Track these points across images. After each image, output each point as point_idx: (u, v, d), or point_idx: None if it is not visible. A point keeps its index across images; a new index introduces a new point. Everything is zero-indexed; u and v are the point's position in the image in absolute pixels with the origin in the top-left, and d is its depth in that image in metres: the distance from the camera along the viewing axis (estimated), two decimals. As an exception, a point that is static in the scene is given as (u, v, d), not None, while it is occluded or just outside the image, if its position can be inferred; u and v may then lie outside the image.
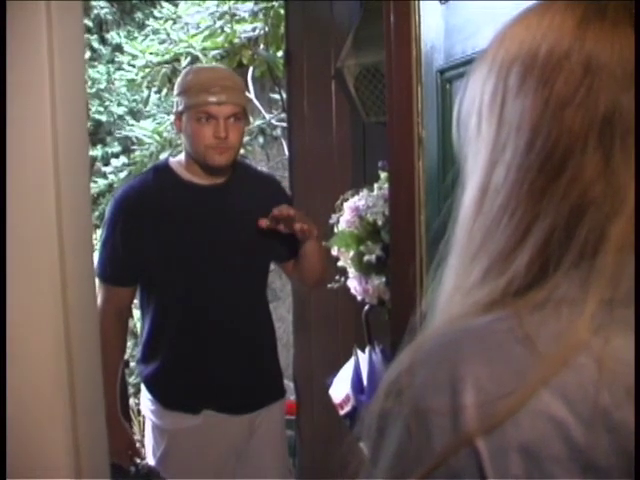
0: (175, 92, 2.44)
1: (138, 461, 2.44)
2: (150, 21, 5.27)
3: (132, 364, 4.21)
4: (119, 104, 5.69)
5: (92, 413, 1.50)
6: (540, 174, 0.67)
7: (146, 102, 5.31)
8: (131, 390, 4.22)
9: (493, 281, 0.68)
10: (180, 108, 2.37)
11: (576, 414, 0.59)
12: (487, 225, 0.70)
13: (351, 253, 2.58)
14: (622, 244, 0.64)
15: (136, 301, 2.58)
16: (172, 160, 2.53)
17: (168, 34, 4.86)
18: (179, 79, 2.47)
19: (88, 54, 5.61)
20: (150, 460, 2.48)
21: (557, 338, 0.62)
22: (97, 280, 2.38)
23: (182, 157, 2.48)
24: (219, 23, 4.55)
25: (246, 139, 4.57)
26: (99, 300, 2.39)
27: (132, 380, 4.31)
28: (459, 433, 0.60)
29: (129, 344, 4.15)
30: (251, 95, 4.44)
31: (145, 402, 2.51)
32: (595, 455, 0.59)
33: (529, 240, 0.67)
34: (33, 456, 1.38)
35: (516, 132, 0.69)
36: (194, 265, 2.40)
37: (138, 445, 2.59)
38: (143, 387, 2.52)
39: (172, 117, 2.58)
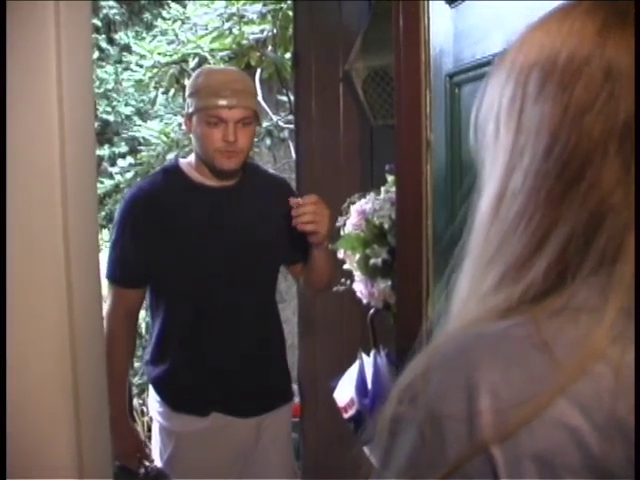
0: (186, 93, 2.44)
1: (147, 464, 2.44)
2: (158, 22, 5.28)
3: (137, 364, 4.21)
4: (126, 104, 5.70)
5: (96, 416, 1.50)
6: (558, 180, 0.67)
7: (153, 103, 5.32)
8: (135, 390, 4.22)
9: (509, 287, 0.68)
10: (190, 110, 2.37)
11: (592, 423, 0.59)
12: (504, 230, 0.70)
13: (357, 256, 2.57)
14: None
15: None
16: (182, 161, 2.52)
17: (176, 35, 4.86)
18: (190, 80, 2.46)
19: (96, 54, 5.62)
20: (157, 462, 2.47)
21: (575, 346, 0.62)
22: (107, 282, 2.39)
23: (192, 158, 2.47)
24: (227, 24, 4.55)
25: (254, 140, 4.57)
26: (109, 302, 2.39)
27: (136, 380, 4.31)
28: (474, 440, 0.60)
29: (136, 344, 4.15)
30: (259, 97, 4.44)
31: (153, 404, 2.51)
32: (610, 465, 0.58)
33: (547, 247, 0.66)
34: (35, 459, 1.38)
35: (535, 138, 0.68)
36: (204, 267, 2.39)
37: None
38: (151, 388, 2.51)
39: (179, 118, 2.58)
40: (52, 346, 1.42)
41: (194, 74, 2.52)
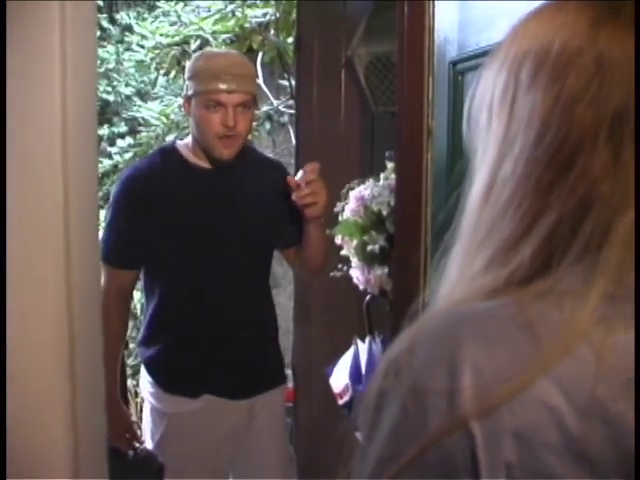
0: (186, 75, 2.43)
1: (137, 445, 2.44)
2: (161, 2, 5.24)
3: (131, 345, 4.21)
4: (127, 84, 5.67)
5: (92, 397, 1.50)
6: (548, 169, 0.68)
7: (154, 84, 5.29)
8: (129, 372, 4.23)
9: (496, 270, 0.69)
10: (189, 92, 2.36)
11: (572, 403, 0.60)
12: (493, 216, 0.71)
13: (354, 242, 2.57)
14: (628, 239, 0.65)
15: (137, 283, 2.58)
16: (179, 143, 2.52)
17: (179, 16, 4.83)
18: (190, 63, 2.45)
19: (97, 34, 5.58)
20: (148, 443, 2.48)
21: (558, 328, 0.63)
22: (101, 262, 2.38)
23: (189, 140, 2.46)
24: (230, 7, 4.54)
25: (253, 124, 4.56)
26: (102, 282, 2.39)
27: (130, 362, 4.31)
28: (454, 414, 0.61)
29: (129, 325, 4.14)
30: (259, 81, 4.43)
31: (145, 384, 2.51)
32: (589, 445, 0.60)
33: (534, 232, 0.68)
34: (30, 443, 1.38)
35: (526, 127, 0.69)
36: (198, 249, 2.39)
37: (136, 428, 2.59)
38: (143, 369, 2.52)
39: (180, 99, 2.57)
40: (49, 327, 1.41)
41: (194, 57, 2.51)
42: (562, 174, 0.67)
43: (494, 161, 0.72)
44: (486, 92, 0.74)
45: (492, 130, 0.73)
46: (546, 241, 0.67)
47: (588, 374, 0.61)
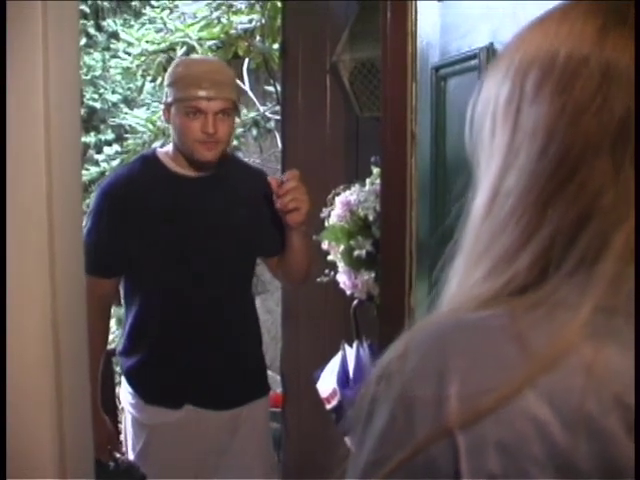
0: (165, 83, 2.41)
1: (118, 456, 2.40)
2: (147, 9, 5.24)
3: (120, 353, 4.20)
4: (113, 92, 5.67)
5: (78, 404, 1.50)
6: (550, 181, 0.67)
7: (140, 91, 5.29)
8: (118, 379, 4.21)
9: (493, 280, 0.69)
10: (169, 100, 2.34)
11: (559, 416, 0.59)
12: (494, 228, 0.70)
13: (341, 247, 2.58)
14: (625, 252, 0.64)
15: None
16: (160, 150, 2.50)
17: (164, 23, 4.84)
18: (169, 70, 2.43)
19: (84, 41, 5.59)
20: (129, 454, 2.45)
21: (548, 339, 0.62)
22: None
23: (170, 147, 2.45)
24: (216, 14, 4.54)
25: (239, 131, 4.56)
26: None
27: (119, 370, 4.30)
28: (440, 423, 0.61)
29: (118, 333, 4.13)
30: (246, 87, 4.43)
31: (125, 395, 2.48)
32: (574, 458, 0.59)
33: (532, 243, 0.67)
34: (18, 449, 1.38)
35: (530, 138, 0.68)
36: (179, 258, 2.37)
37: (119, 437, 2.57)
38: (123, 380, 2.49)
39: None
40: (35, 336, 1.41)
41: (173, 64, 2.49)
42: (563, 186, 0.66)
43: (498, 172, 0.71)
44: (489, 101, 0.73)
45: (496, 140, 0.72)
46: (543, 252, 0.66)
47: (577, 387, 0.60)
